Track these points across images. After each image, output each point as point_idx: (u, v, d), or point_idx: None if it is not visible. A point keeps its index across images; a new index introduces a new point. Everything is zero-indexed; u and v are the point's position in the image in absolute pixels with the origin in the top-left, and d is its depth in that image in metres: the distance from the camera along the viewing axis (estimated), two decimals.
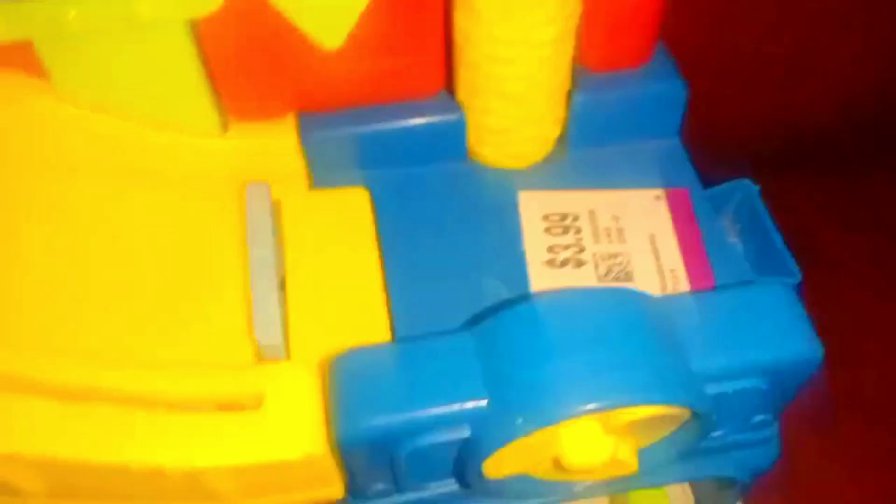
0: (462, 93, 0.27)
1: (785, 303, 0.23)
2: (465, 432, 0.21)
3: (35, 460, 0.18)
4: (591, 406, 0.20)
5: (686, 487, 0.37)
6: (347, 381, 0.21)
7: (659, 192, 0.29)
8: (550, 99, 0.28)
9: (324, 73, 0.26)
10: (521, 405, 0.20)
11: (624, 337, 0.21)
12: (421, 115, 0.28)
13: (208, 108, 0.26)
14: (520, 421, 0.20)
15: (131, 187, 0.26)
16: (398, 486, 0.24)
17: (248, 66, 0.25)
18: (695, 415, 0.22)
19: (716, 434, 0.25)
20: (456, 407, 0.21)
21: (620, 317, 0.21)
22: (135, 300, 0.24)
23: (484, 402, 0.21)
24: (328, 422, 0.21)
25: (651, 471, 0.25)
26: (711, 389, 0.22)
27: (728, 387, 0.22)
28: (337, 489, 0.24)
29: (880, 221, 0.49)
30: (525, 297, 0.25)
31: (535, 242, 0.27)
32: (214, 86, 0.26)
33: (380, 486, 0.24)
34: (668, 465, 0.26)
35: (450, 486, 0.25)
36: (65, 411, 0.19)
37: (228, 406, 0.21)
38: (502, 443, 0.20)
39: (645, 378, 0.20)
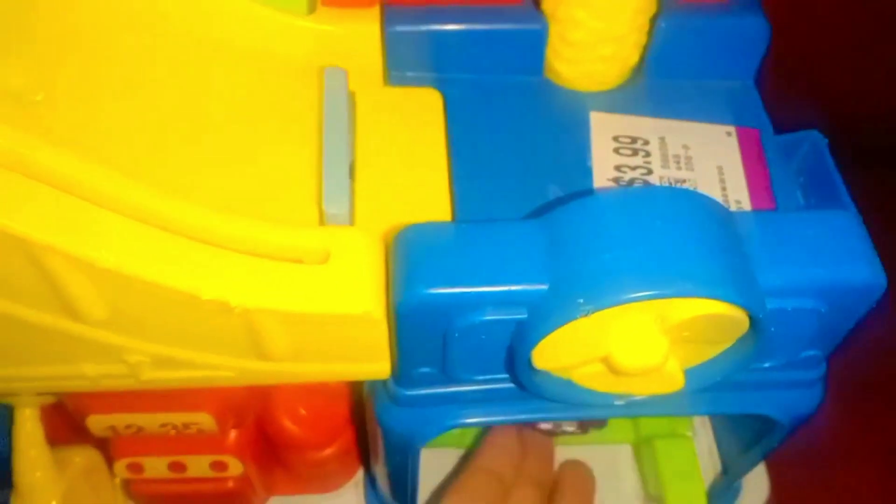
0: (548, 1, 0.27)
1: (851, 228, 0.23)
2: (522, 314, 0.21)
3: (109, 273, 0.19)
4: (653, 290, 0.20)
5: (713, 447, 0.37)
6: (412, 250, 0.21)
7: (730, 128, 0.29)
8: (635, 19, 0.27)
9: None
10: (583, 287, 0.20)
11: (692, 232, 0.21)
12: (505, 19, 0.28)
13: None
14: (581, 301, 0.20)
15: (216, 56, 0.26)
16: (445, 373, 0.24)
17: None
18: (751, 325, 0.22)
19: (764, 365, 0.25)
20: (516, 287, 0.21)
21: (690, 214, 0.21)
22: (212, 161, 0.24)
23: (545, 287, 0.21)
24: (389, 288, 0.22)
25: (694, 396, 0.25)
26: (771, 304, 0.22)
27: (787, 303, 0.22)
28: (384, 366, 0.24)
29: None
30: (592, 192, 0.25)
31: (602, 160, 0.27)
32: None
33: (426, 370, 0.24)
34: (711, 394, 0.26)
35: (495, 382, 0.25)
36: (144, 233, 0.19)
37: (296, 259, 0.21)
38: (561, 323, 0.20)
39: (709, 271, 0.20)
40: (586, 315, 0.20)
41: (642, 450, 0.36)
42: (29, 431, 0.27)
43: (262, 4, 0.26)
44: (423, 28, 0.28)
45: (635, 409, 0.26)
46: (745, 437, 0.32)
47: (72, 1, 0.24)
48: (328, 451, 0.32)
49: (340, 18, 0.27)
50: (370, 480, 0.34)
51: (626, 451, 0.37)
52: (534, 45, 0.28)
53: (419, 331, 0.22)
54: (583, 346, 0.22)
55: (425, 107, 0.28)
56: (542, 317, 0.21)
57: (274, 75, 0.27)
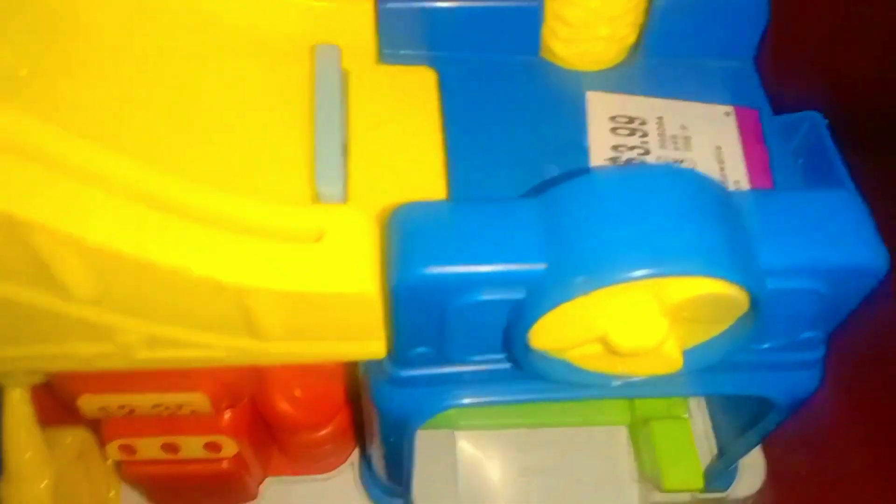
0: None
1: (852, 209, 0.22)
2: (520, 293, 0.21)
3: (96, 251, 0.18)
4: (652, 269, 0.19)
5: (709, 430, 0.37)
6: (408, 229, 0.21)
7: (729, 108, 0.28)
8: None
9: None
10: (582, 265, 0.20)
11: (691, 210, 0.20)
12: None
13: None
14: (580, 279, 0.20)
15: (206, 32, 0.26)
16: (441, 353, 0.24)
17: None
18: (751, 305, 0.21)
19: (763, 346, 0.25)
20: (514, 266, 0.21)
21: (689, 192, 0.21)
22: (201, 139, 0.24)
23: (543, 266, 0.21)
24: (384, 266, 0.21)
25: (692, 376, 0.25)
26: (770, 284, 0.22)
27: (786, 283, 0.22)
28: (379, 346, 0.24)
29: None
30: (589, 170, 0.25)
31: (599, 139, 0.27)
32: None
33: (422, 350, 0.24)
34: (710, 375, 0.26)
35: (492, 363, 0.25)
36: (133, 210, 0.19)
37: (289, 237, 0.21)
38: (559, 302, 0.20)
39: (709, 249, 0.20)
40: (585, 294, 0.20)
41: (638, 431, 0.36)
42: (18, 412, 0.27)
43: None
44: (417, 5, 0.27)
45: (633, 389, 0.25)
46: (742, 419, 0.32)
47: None
48: (323, 432, 0.32)
49: None
50: (365, 461, 0.34)
51: (621, 432, 0.37)
52: (529, 23, 0.28)
53: (415, 311, 0.22)
54: (580, 327, 0.22)
55: (419, 85, 0.27)
56: (539, 296, 0.21)
57: (265, 52, 0.26)
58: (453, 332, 0.23)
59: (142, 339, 0.22)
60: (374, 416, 0.28)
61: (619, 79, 0.29)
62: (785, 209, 0.22)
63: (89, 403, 0.26)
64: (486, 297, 0.21)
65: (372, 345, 0.23)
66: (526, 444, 0.37)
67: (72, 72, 0.22)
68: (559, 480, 0.37)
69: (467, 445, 0.36)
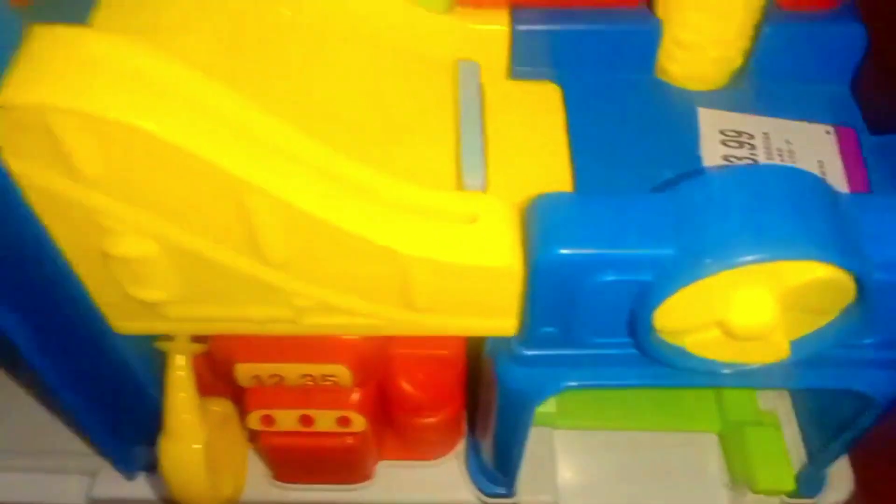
0: (662, 5, 0.30)
1: None
2: (648, 275, 0.24)
3: (302, 215, 0.22)
4: (773, 251, 0.22)
5: (797, 439, 0.38)
6: (550, 214, 0.24)
7: (829, 127, 0.31)
8: (743, 24, 0.30)
9: None
10: (710, 248, 0.23)
11: (805, 202, 0.23)
12: (620, 21, 0.30)
13: None
14: (708, 261, 0.22)
15: (368, 48, 0.29)
16: (567, 334, 0.26)
17: None
18: (857, 294, 0.24)
19: (865, 342, 0.27)
20: (644, 251, 0.24)
21: (804, 188, 0.23)
22: (368, 139, 0.27)
23: (670, 251, 0.23)
24: (525, 248, 0.24)
25: (795, 368, 0.27)
26: (875, 275, 0.24)
27: (891, 276, 0.24)
28: (511, 323, 0.26)
29: None
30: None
31: (711, 150, 0.30)
32: None
33: (549, 330, 0.26)
34: (811, 368, 0.28)
35: (611, 347, 0.27)
36: (331, 188, 0.22)
37: (450, 219, 0.24)
38: (686, 282, 0.23)
39: (823, 235, 0.22)
40: (712, 275, 0.23)
41: (730, 437, 0.38)
42: (181, 377, 0.30)
43: (409, 2, 0.29)
44: (546, 28, 0.30)
45: (740, 379, 0.28)
46: (834, 422, 0.33)
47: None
48: (438, 417, 0.34)
49: (473, 17, 0.30)
50: (473, 450, 0.37)
51: (711, 440, 0.39)
52: (647, 45, 0.31)
53: (551, 289, 0.25)
54: (702, 310, 0.24)
55: (545, 98, 0.31)
56: (668, 277, 0.23)
57: (417, 66, 0.30)
58: (581, 313, 0.25)
59: (314, 305, 0.25)
60: (492, 397, 0.31)
61: (727, 98, 0.31)
62: (889, 209, 0.24)
63: (245, 371, 0.30)
64: (616, 278, 0.24)
65: (505, 322, 0.26)
66: (619, 446, 0.39)
67: (259, 81, 0.26)
68: (651, 482, 0.38)
69: (564, 443, 0.39)
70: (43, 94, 0.19)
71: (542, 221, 0.24)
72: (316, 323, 0.26)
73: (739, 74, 0.32)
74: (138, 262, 0.23)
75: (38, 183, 0.21)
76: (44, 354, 0.28)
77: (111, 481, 0.37)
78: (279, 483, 0.37)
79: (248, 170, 0.21)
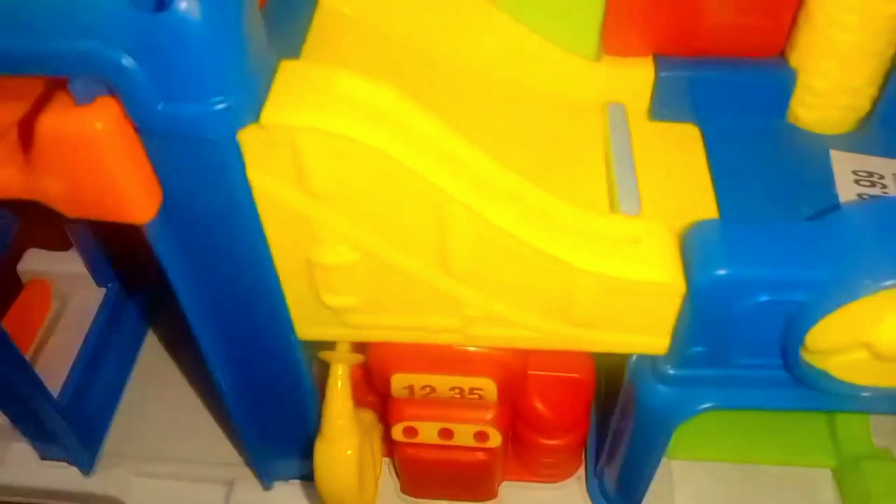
0: (797, 55, 0.32)
1: None
2: (803, 296, 0.25)
3: (493, 228, 0.24)
4: None
5: None
6: (708, 238, 0.26)
7: None
8: (875, 72, 0.32)
9: (684, 24, 0.32)
10: (868, 270, 0.24)
11: None
12: (757, 70, 0.33)
13: (594, 37, 0.32)
14: (867, 281, 0.24)
15: (529, 94, 0.32)
16: (715, 353, 0.28)
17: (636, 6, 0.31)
18: None
19: None
20: (801, 272, 0.25)
21: None
22: (532, 175, 0.30)
23: (827, 272, 0.25)
24: (685, 269, 0.26)
25: None
26: None
27: None
28: (663, 342, 0.28)
29: None
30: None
31: (846, 188, 0.31)
32: (605, 20, 0.32)
33: (699, 349, 0.28)
34: None
35: (756, 368, 0.29)
36: (516, 206, 0.25)
37: (618, 240, 0.26)
38: (844, 302, 0.24)
39: None
40: (866, 296, 0.24)
41: (846, 471, 0.38)
42: (340, 385, 0.32)
43: (562, 50, 0.32)
44: (688, 74, 0.33)
45: (877, 403, 0.29)
46: None
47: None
48: (566, 439, 0.36)
49: (621, 65, 0.33)
50: (596, 475, 0.38)
51: (824, 475, 0.40)
52: (781, 92, 0.33)
53: (708, 309, 0.26)
54: (852, 330, 0.26)
55: (686, 138, 0.33)
56: (824, 298, 0.25)
57: (567, 109, 0.32)
58: (733, 333, 0.27)
59: (483, 315, 0.27)
60: (627, 421, 0.32)
61: (856, 142, 0.33)
62: None
63: (399, 381, 0.32)
64: (771, 297, 0.26)
65: (658, 340, 0.28)
66: (735, 478, 0.40)
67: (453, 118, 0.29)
68: None
69: (682, 473, 0.40)
70: (296, 116, 0.22)
71: (703, 244, 0.26)
72: (480, 334, 0.28)
73: (866, 120, 0.34)
74: (338, 269, 0.26)
75: (273, 195, 0.24)
76: (225, 358, 0.31)
77: (248, 491, 0.40)
78: (407, 496, 0.39)
79: (452, 186, 0.23)
